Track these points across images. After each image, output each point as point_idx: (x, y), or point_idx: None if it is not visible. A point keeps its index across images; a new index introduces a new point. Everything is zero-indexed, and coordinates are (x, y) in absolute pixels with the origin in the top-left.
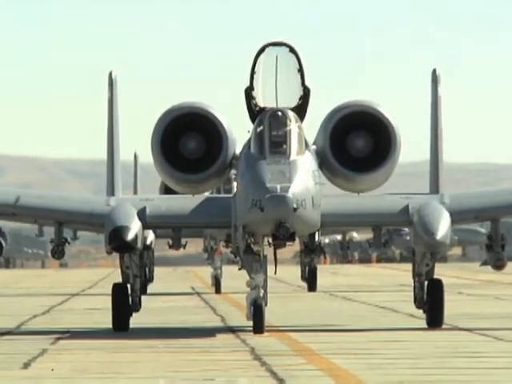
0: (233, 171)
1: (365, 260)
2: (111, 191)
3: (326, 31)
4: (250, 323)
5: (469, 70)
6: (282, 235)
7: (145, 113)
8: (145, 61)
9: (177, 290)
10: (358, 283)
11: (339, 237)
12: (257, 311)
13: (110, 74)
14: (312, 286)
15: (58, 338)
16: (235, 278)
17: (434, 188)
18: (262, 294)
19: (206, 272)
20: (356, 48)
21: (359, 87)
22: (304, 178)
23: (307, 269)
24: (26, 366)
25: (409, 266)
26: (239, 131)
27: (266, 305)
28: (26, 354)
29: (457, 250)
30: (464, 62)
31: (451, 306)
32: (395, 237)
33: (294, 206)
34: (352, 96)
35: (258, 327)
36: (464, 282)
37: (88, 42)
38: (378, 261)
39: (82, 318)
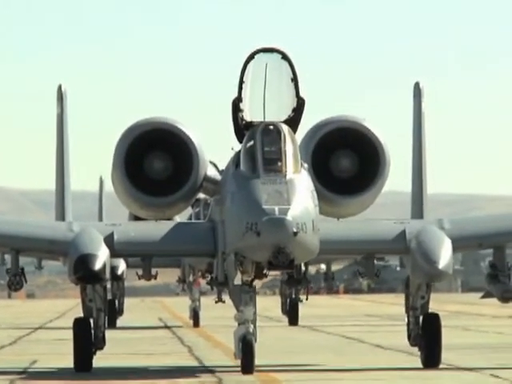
0: (201, 195)
1: (332, 291)
2: (61, 218)
3: (304, 44)
4: (221, 358)
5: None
6: (280, 262)
7: (110, 133)
8: (106, 75)
9: (146, 324)
10: (325, 314)
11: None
12: (246, 349)
13: (60, 88)
14: (293, 320)
15: (26, 369)
16: (208, 308)
17: (418, 215)
18: (251, 330)
19: (175, 303)
20: (339, 60)
21: (343, 102)
22: (303, 199)
23: (288, 301)
24: None
25: (376, 297)
26: (208, 150)
27: (255, 341)
28: None
29: None
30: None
31: None
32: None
33: (294, 229)
34: (334, 111)
35: (248, 367)
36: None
37: (37, 61)
38: (346, 292)
39: (50, 349)
